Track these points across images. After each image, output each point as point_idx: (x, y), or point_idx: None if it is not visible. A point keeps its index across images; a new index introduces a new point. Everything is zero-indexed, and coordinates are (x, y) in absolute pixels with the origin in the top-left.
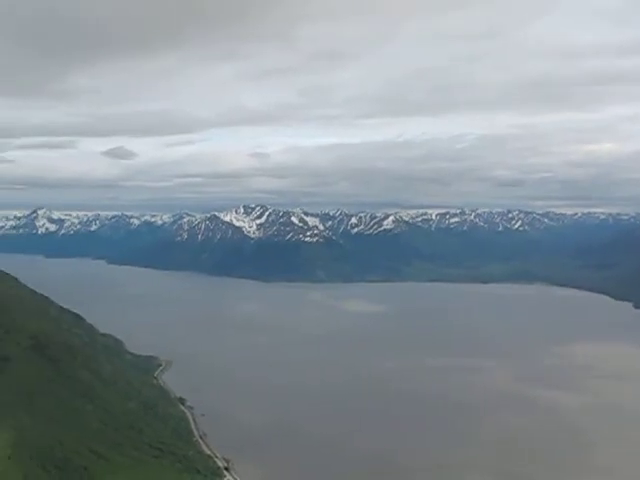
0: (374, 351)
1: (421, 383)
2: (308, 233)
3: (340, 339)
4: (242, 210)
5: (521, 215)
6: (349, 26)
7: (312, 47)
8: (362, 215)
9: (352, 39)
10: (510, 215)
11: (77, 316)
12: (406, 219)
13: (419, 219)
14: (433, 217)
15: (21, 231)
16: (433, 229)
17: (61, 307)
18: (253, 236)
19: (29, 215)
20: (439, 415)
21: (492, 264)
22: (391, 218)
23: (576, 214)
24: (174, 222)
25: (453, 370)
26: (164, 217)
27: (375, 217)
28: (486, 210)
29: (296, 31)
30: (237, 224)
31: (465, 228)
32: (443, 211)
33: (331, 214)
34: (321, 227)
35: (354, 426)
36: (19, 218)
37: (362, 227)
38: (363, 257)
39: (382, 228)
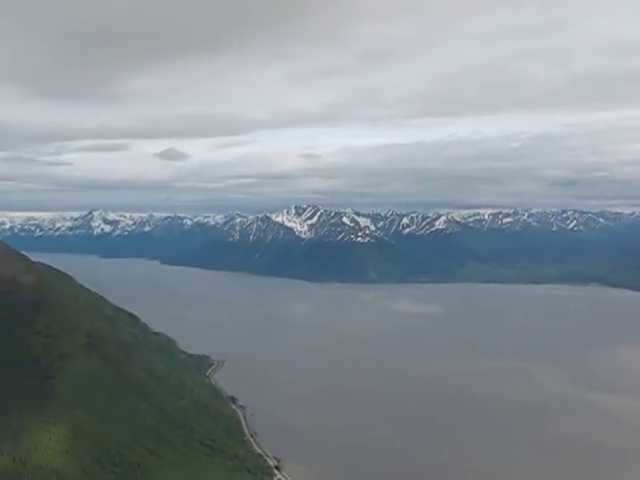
0: (426, 353)
1: (475, 385)
2: (359, 234)
3: (392, 340)
4: (293, 211)
5: (576, 215)
6: (399, 25)
7: (362, 47)
8: (414, 215)
9: (402, 38)
10: (564, 215)
11: (131, 315)
12: (458, 219)
13: (471, 219)
14: (485, 217)
15: (77, 232)
16: (485, 229)
17: (116, 306)
18: (304, 237)
19: (85, 216)
20: (493, 417)
21: (546, 265)
22: (443, 218)
23: (633, 213)
24: (226, 223)
25: (507, 372)
26: (216, 218)
27: (427, 217)
28: (540, 210)
29: (346, 31)
30: (288, 225)
31: (518, 228)
32: (496, 211)
33: (382, 214)
34: (372, 227)
35: (405, 428)
36: (76, 219)
37: (414, 227)
38: (415, 258)
39: (434, 228)
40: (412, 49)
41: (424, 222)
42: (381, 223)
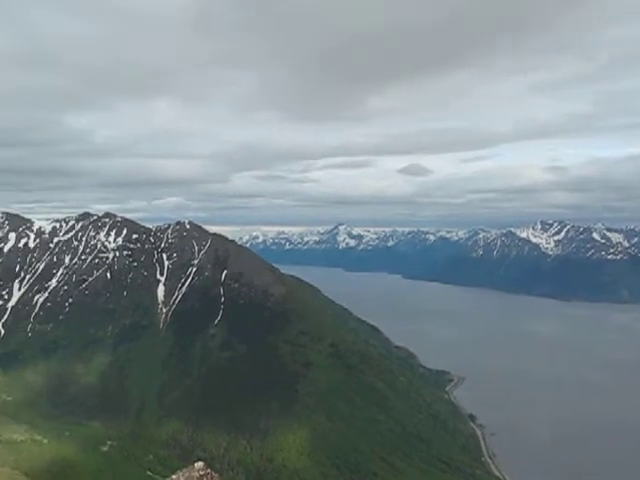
0: None
1: None
2: (611, 250)
3: None
4: (539, 226)
5: None
6: None
7: (610, 52)
8: None
9: None
10: None
11: (373, 328)
12: None
13: None
14: None
15: (324, 246)
16: None
17: (359, 319)
18: (551, 253)
19: (331, 231)
20: None
21: None
22: None
23: None
24: (469, 238)
25: None
26: (459, 233)
27: None
28: None
29: (592, 37)
30: (534, 240)
31: None
32: None
33: (638, 230)
34: (626, 244)
35: None
36: (322, 233)
37: None
38: None
39: None
40: None
41: None
42: (636, 239)
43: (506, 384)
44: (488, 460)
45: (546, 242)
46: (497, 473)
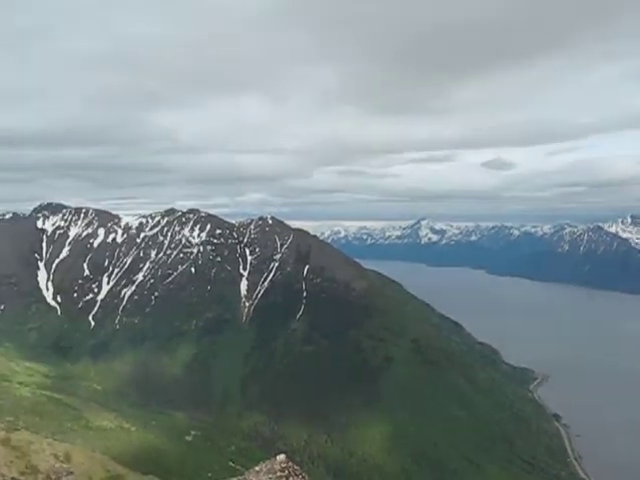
0: None
1: None
2: None
3: None
4: (629, 220)
5: None
6: None
7: None
8: None
9: None
10: None
11: (456, 324)
12: None
13: None
14: None
15: (405, 240)
16: None
17: (441, 314)
18: None
19: (413, 225)
20: None
21: None
22: None
23: None
24: (554, 233)
25: None
26: (544, 228)
27: None
28: None
29: None
30: (623, 235)
31: None
32: None
33: None
34: None
35: None
36: (404, 228)
37: None
38: None
39: None
40: None
41: None
42: None
43: (593, 383)
44: (574, 462)
45: (636, 237)
46: (583, 475)
